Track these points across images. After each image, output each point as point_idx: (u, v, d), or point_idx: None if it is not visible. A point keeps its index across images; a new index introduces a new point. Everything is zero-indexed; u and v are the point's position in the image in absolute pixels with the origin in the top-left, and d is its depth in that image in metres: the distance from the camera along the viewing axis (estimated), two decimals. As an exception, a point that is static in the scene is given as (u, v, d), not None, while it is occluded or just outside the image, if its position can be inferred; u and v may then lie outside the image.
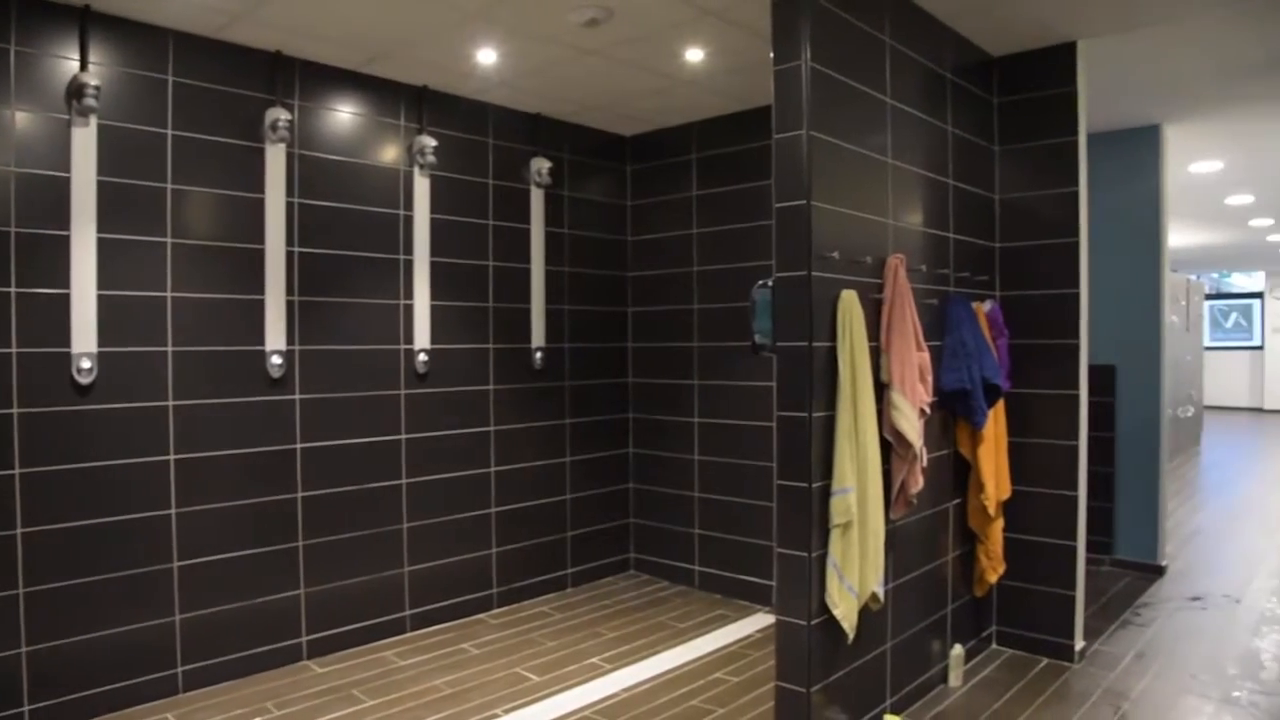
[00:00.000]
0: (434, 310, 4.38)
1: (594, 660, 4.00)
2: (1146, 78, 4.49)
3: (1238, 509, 7.72)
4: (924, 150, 3.52)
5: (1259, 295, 17.32)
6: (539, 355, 4.88)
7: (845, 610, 2.89)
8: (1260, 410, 16.87)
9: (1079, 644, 3.96)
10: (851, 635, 2.95)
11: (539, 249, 4.89)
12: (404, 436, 4.28)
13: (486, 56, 3.94)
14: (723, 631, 4.40)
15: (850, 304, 2.91)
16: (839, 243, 2.95)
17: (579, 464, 5.13)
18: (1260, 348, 17.21)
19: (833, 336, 2.90)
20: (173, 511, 3.55)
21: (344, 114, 4.08)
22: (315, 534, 3.96)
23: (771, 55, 2.91)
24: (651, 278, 5.29)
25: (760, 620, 4.52)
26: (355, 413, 4.10)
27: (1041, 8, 3.51)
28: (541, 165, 4.82)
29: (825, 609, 2.89)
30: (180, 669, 3.57)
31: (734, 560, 4.91)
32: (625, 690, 3.67)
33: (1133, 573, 5.36)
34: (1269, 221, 9.83)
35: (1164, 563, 5.45)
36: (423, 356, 4.32)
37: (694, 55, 3.92)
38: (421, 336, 4.33)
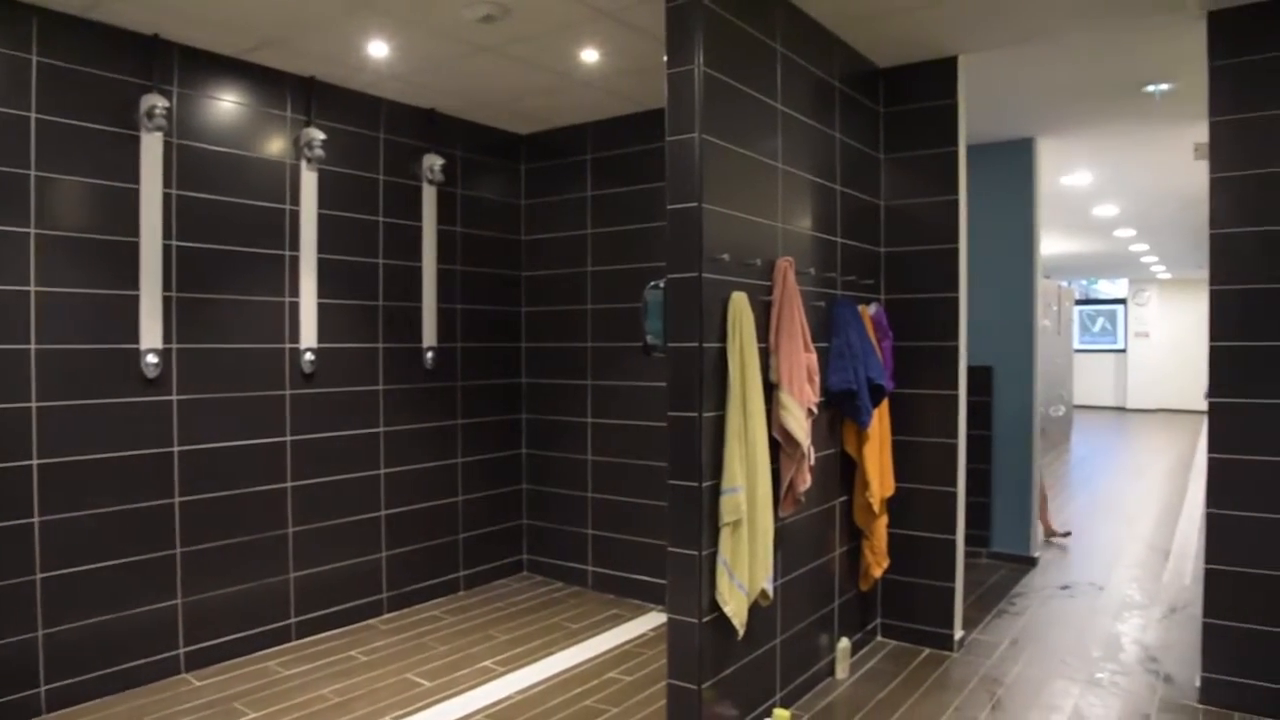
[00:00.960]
0: (321, 308, 4.26)
1: (486, 663, 3.96)
2: (1022, 93, 4.71)
3: (1103, 502, 8.18)
4: (813, 156, 3.61)
5: (1123, 301, 18.40)
6: (430, 355, 4.80)
7: (735, 607, 2.93)
8: (1123, 409, 17.93)
9: (958, 634, 4.12)
10: (742, 631, 3.00)
11: (431, 247, 4.80)
12: (289, 438, 4.14)
13: (378, 49, 3.85)
14: (616, 631, 4.41)
15: (740, 305, 2.96)
16: (730, 245, 2.99)
17: (471, 465, 5.06)
18: (1123, 351, 18.29)
19: (723, 337, 2.94)
20: (35, 520, 3.34)
21: (227, 103, 3.92)
22: (194, 540, 3.79)
23: (665, 59, 2.93)
24: (546, 277, 5.26)
25: (654, 619, 4.55)
26: (237, 414, 3.94)
27: (923, 23, 3.64)
28: (434, 162, 4.74)
29: (716, 606, 2.93)
30: (43, 688, 3.36)
31: (627, 560, 4.93)
32: (518, 693, 3.64)
33: (1008, 564, 5.61)
34: (1132, 232, 10.46)
35: (1036, 554, 5.73)
36: (309, 356, 4.20)
37: (590, 56, 3.92)
38: (308, 335, 4.20)
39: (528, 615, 4.64)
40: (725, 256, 2.95)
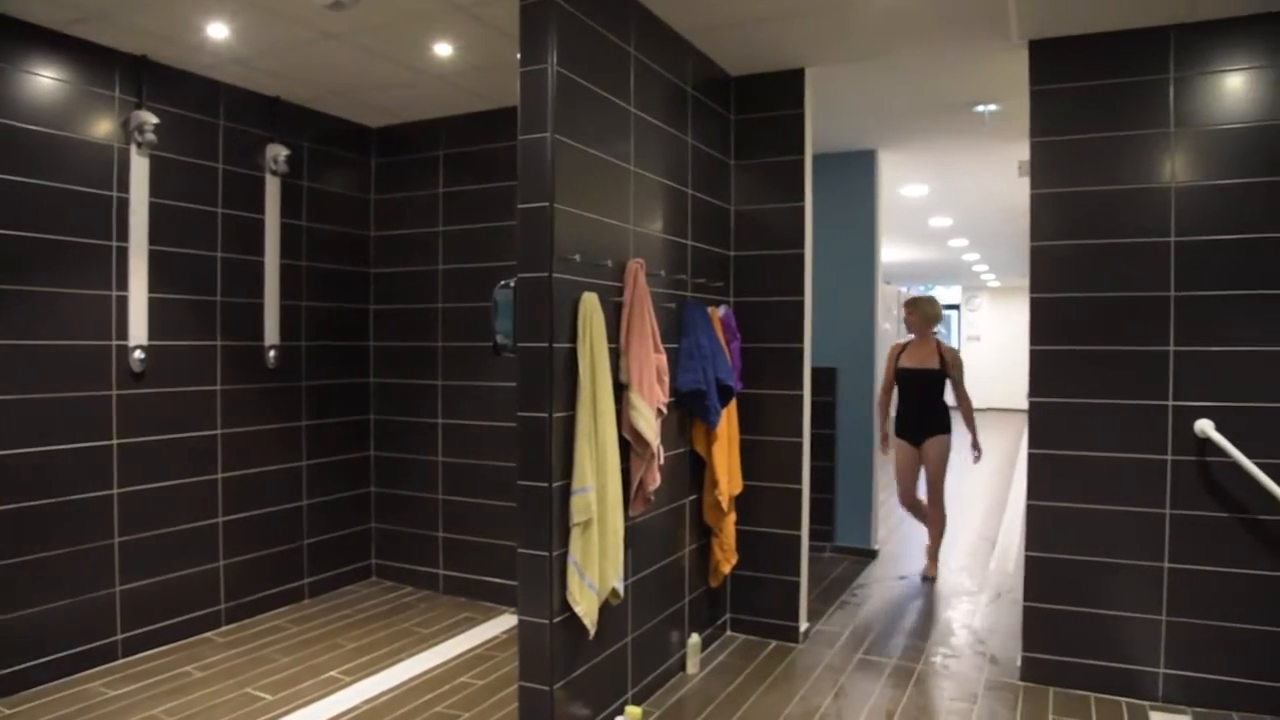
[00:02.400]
0: (153, 303, 4.01)
1: (332, 673, 3.83)
2: (865, 107, 4.93)
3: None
4: (665, 160, 3.66)
5: (956, 307, 19.52)
6: (273, 354, 4.60)
7: (586, 607, 2.94)
8: (957, 409, 18.97)
9: (803, 625, 4.27)
10: (593, 631, 3.01)
11: (274, 241, 4.60)
12: (116, 441, 3.87)
13: (217, 30, 3.66)
14: (468, 635, 4.35)
15: (591, 306, 2.97)
16: (581, 245, 3.00)
17: (316, 468, 4.88)
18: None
19: (573, 338, 2.95)
20: None
21: (44, 79, 3.62)
22: (2, 555, 3.50)
23: (519, 56, 2.91)
24: (396, 275, 5.13)
25: (506, 621, 4.51)
26: (55, 415, 3.65)
27: (772, 35, 3.75)
28: (279, 152, 4.55)
29: (567, 606, 2.93)
30: None
31: (479, 562, 4.87)
32: (366, 702, 3.53)
33: (850, 557, 5.86)
34: (964, 242, 11.11)
35: (876, 547, 6.01)
36: (139, 354, 3.94)
37: (443, 50, 3.85)
38: (138, 331, 3.94)
39: (377, 622, 4.52)
40: (576, 257, 2.96)
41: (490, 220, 4.76)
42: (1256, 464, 3.34)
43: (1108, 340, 3.59)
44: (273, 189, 4.59)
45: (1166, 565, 3.51)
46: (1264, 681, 3.38)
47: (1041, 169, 3.70)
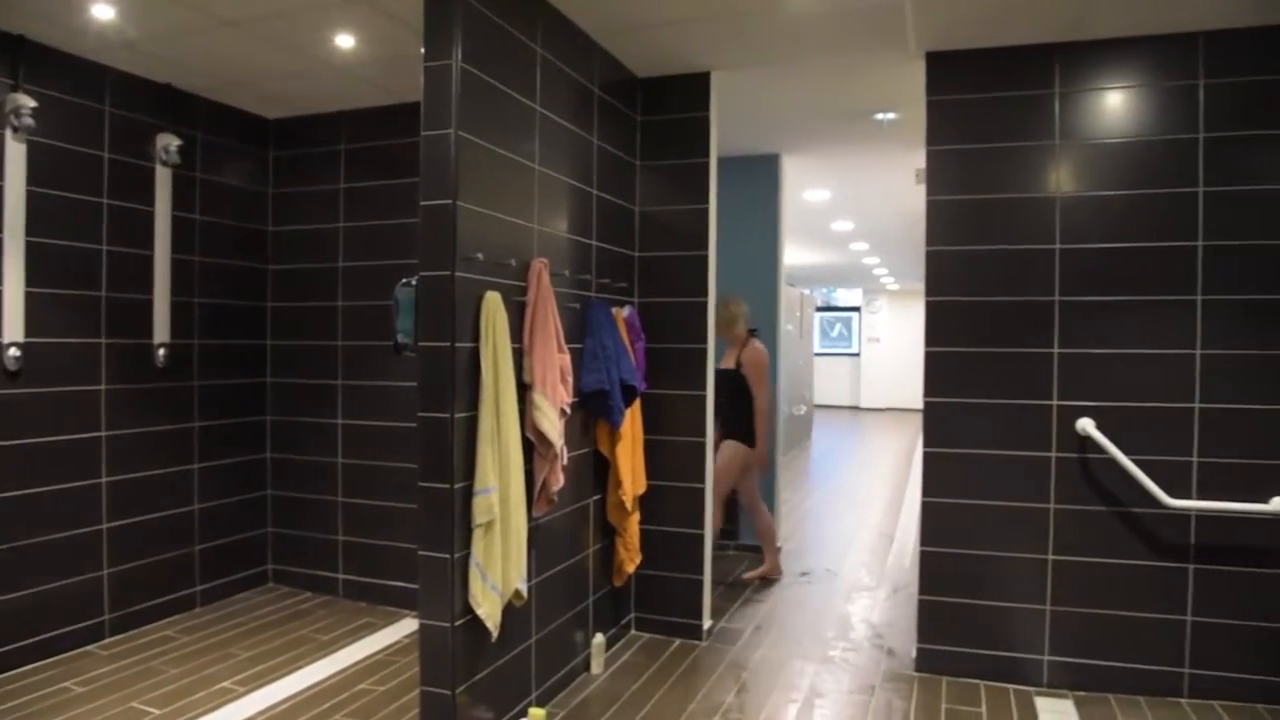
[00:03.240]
0: (29, 298, 3.80)
1: (225, 684, 3.69)
2: (769, 112, 5.01)
3: (838, 493, 8.87)
4: (571, 159, 3.65)
5: (858, 309, 20.05)
6: (162, 352, 4.41)
7: (489, 609, 2.92)
8: (858, 409, 19.53)
9: (707, 623, 4.32)
10: (495, 634, 2.98)
11: (164, 235, 4.42)
12: (-13, 444, 3.67)
13: (103, 11, 3.49)
14: (369, 640, 4.26)
15: (494, 305, 2.94)
16: (484, 244, 2.97)
17: (210, 470, 4.71)
18: (858, 355, 19.93)
19: (476, 337, 2.92)
20: None
21: (-93, 61, 3.41)
22: None
23: (423, 51, 2.87)
24: (294, 272, 4.98)
25: (408, 625, 4.43)
26: (-81, 417, 3.44)
27: (678, 38, 3.79)
28: (170, 142, 4.36)
29: (469, 609, 2.90)
30: None
31: (381, 566, 4.77)
32: (261, 713, 3.42)
33: (754, 555, 5.94)
34: (865, 246, 11.41)
35: (779, 544, 6.10)
36: (13, 351, 3.73)
37: (344, 41, 3.76)
38: (12, 328, 3.73)
39: (272, 629, 4.38)
40: (479, 255, 2.93)
41: (392, 217, 4.68)
42: (1132, 460, 3.53)
43: (998, 343, 3.74)
44: (163, 180, 4.41)
45: (1050, 558, 3.67)
46: (1137, 665, 3.58)
47: (936, 177, 3.83)
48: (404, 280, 3.15)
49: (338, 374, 4.86)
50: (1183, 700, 3.52)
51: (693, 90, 4.23)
